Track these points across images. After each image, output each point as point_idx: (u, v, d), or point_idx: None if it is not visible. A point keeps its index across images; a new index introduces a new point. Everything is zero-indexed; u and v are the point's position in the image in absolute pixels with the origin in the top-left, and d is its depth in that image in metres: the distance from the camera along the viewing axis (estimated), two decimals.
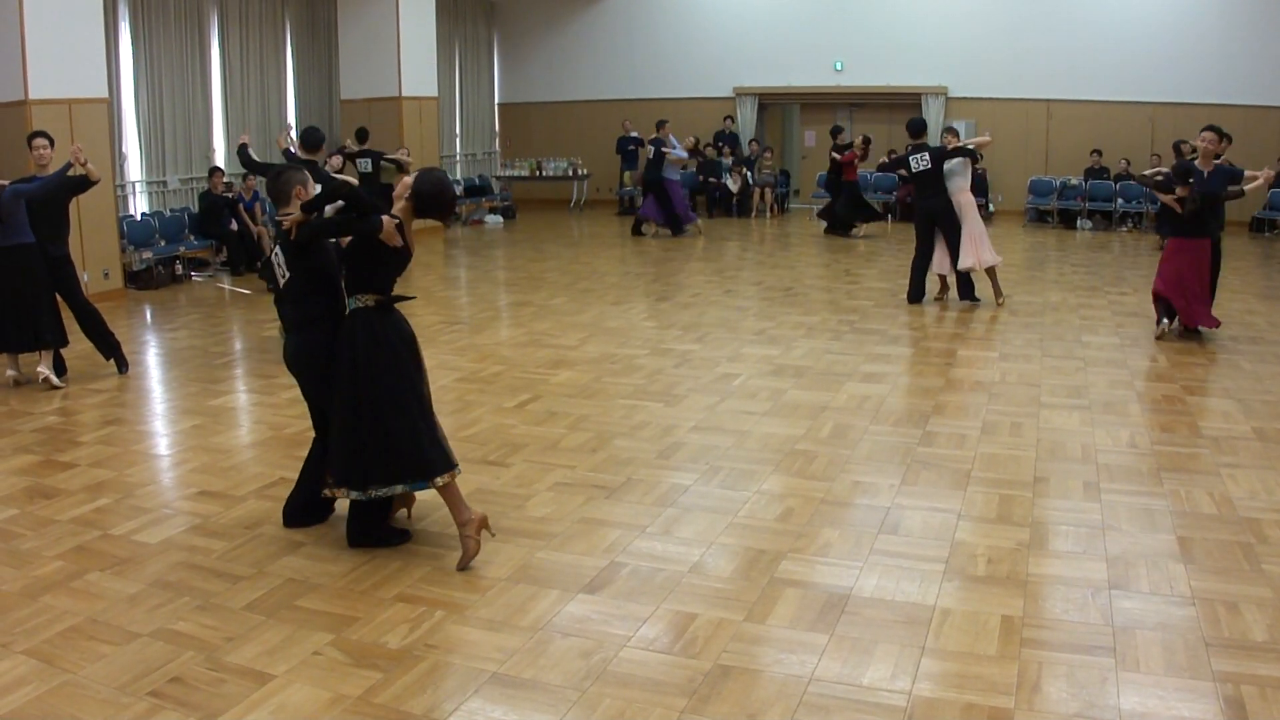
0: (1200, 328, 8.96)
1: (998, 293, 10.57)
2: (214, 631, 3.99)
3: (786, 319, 9.98)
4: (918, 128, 10.83)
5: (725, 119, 19.78)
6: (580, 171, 20.12)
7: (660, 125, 16.67)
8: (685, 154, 16.64)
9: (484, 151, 21.21)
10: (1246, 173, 8.98)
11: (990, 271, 10.52)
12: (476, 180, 20.09)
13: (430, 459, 4.57)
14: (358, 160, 13.71)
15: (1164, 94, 17.12)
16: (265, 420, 6.95)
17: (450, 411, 7.03)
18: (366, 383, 4.55)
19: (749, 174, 19.15)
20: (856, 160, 16.24)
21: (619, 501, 5.35)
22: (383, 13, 15.88)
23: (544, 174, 20.19)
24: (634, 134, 19.75)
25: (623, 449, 6.18)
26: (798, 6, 19.47)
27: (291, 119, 16.39)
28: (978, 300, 10.59)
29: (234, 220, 13.40)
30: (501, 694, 3.57)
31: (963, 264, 10.43)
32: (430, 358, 8.39)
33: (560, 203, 20.75)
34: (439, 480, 4.55)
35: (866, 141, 16.11)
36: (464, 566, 4.53)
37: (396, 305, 4.74)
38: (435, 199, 4.64)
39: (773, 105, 20.91)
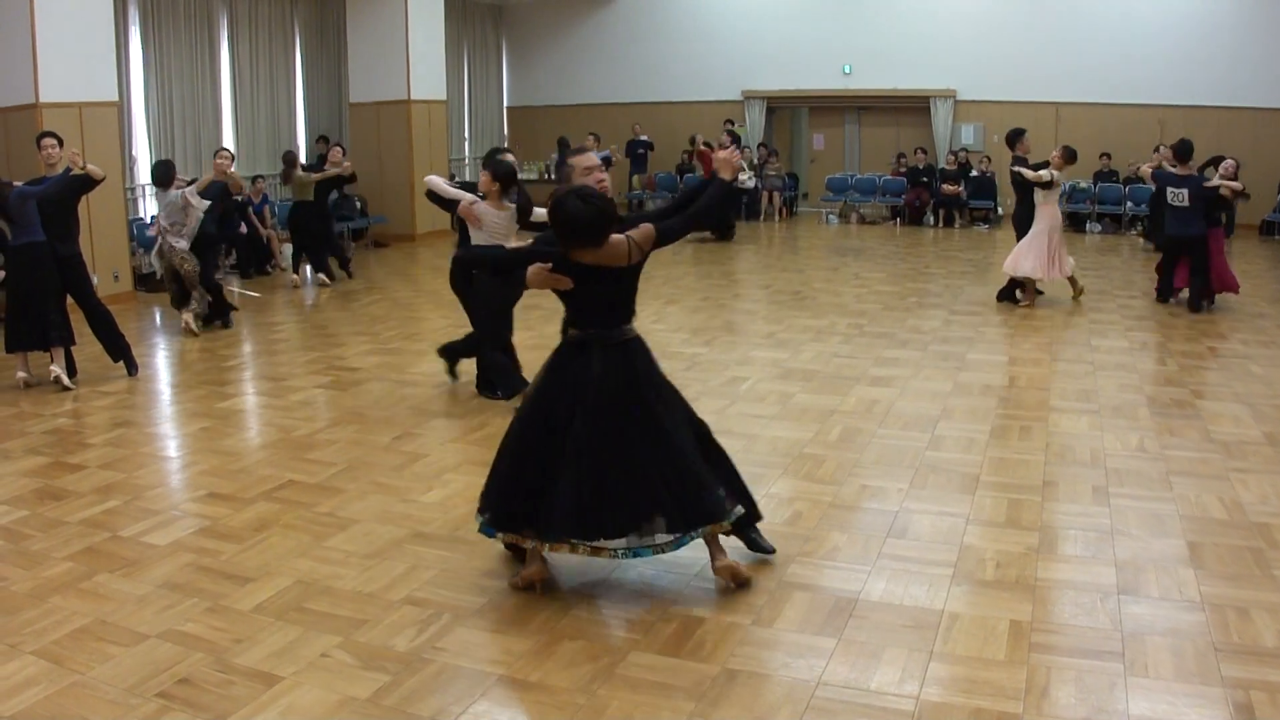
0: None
1: (1029, 294, 10.80)
2: (222, 633, 4.00)
3: (795, 322, 9.97)
4: (1010, 139, 11.09)
5: (726, 122, 19.73)
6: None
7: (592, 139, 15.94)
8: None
9: None
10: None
11: (1029, 281, 10.79)
12: None
13: (505, 517, 4.25)
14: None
15: (1173, 97, 17.07)
16: (274, 423, 6.96)
17: (459, 414, 7.05)
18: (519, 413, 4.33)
19: (758, 179, 19.12)
20: (708, 154, 15.90)
21: None
22: (391, 17, 15.92)
23: (553, 177, 20.18)
24: (643, 137, 19.78)
25: None
26: (806, 10, 19.46)
27: (300, 122, 16.45)
28: (1018, 302, 10.82)
29: (244, 223, 13.42)
30: (509, 697, 3.57)
31: (1007, 267, 10.77)
32: (439, 360, 8.41)
33: None
34: (501, 539, 4.32)
35: (735, 139, 16.36)
36: (513, 583, 4.38)
37: (623, 343, 4.23)
38: (567, 228, 4.05)
39: (781, 109, 20.90)
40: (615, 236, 4.11)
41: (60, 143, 8.00)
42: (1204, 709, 3.42)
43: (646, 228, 4.16)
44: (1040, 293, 11.00)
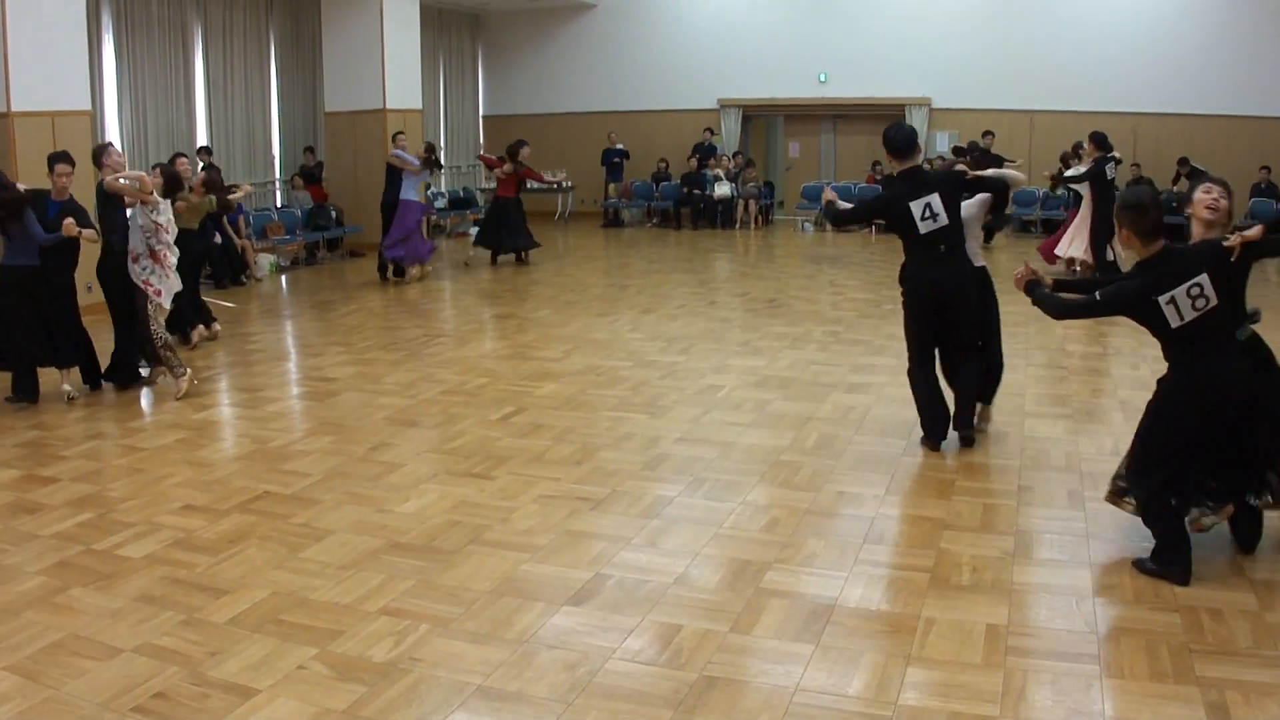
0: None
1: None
2: (198, 646, 3.97)
3: (771, 330, 9.99)
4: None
5: (705, 130, 19.83)
6: (565, 184, 20.14)
7: (396, 137, 13.96)
8: (419, 164, 13.47)
9: (468, 164, 21.21)
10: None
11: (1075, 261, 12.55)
12: (460, 193, 20.10)
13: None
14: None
15: (1147, 104, 17.25)
16: (249, 434, 6.92)
17: (435, 424, 7.03)
18: None
19: (735, 186, 19.18)
20: (501, 172, 14.72)
21: (604, 513, 5.34)
22: (367, 25, 15.87)
23: (528, 186, 20.15)
24: (619, 146, 19.83)
25: (608, 461, 6.18)
26: (781, 19, 19.56)
27: (275, 132, 16.38)
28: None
29: (218, 233, 13.32)
30: (487, 707, 3.56)
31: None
32: (415, 370, 8.43)
33: (545, 215, 20.74)
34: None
35: (520, 144, 14.89)
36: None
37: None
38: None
39: (757, 117, 21.00)
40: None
41: (73, 166, 7.72)
42: (1179, 709, 3.45)
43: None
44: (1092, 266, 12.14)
